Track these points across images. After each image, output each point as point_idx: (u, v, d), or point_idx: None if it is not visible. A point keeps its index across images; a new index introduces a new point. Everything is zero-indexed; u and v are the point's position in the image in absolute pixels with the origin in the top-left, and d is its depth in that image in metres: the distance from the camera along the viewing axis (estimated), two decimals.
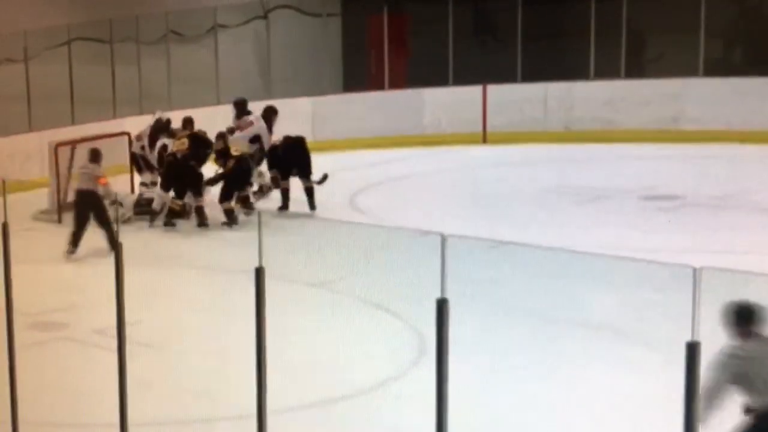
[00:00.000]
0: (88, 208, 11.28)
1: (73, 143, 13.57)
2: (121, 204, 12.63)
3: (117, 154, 13.64)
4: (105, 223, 11.06)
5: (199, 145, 12.58)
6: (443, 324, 4.22)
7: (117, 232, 5.49)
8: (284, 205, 12.98)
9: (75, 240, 11.25)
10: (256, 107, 13.97)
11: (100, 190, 11.39)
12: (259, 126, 13.20)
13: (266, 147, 13.07)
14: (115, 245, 10.62)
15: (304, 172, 12.91)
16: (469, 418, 6.64)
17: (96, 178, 11.48)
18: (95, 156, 11.69)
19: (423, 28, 18.94)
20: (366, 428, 6.87)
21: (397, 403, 7.10)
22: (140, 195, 13.23)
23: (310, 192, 12.86)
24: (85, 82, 16.00)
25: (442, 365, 4.24)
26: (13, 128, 15.08)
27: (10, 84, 15.72)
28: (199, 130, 12.90)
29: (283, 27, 18.49)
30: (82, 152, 13.51)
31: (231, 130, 13.14)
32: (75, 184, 11.87)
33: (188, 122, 13.05)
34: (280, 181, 13.02)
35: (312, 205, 12.82)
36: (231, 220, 12.27)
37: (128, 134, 13.97)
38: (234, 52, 18.03)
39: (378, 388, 7.52)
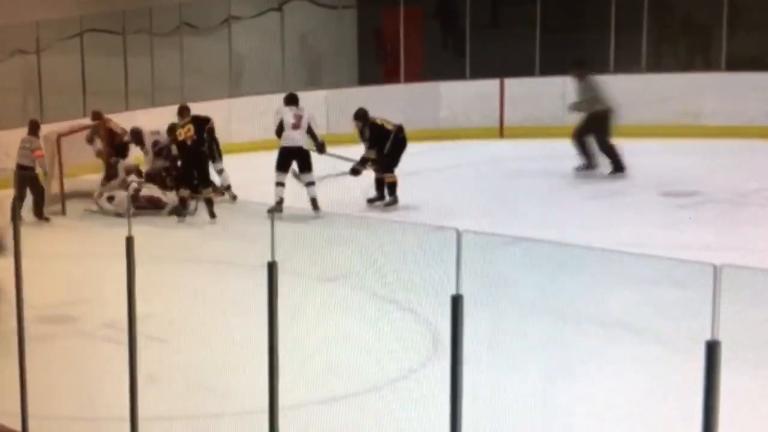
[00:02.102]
0: (25, 183, 11.45)
1: (72, 132, 13.47)
2: (112, 197, 12.59)
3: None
4: (37, 195, 11.51)
5: (201, 125, 12.39)
6: (458, 320, 4.15)
7: (129, 225, 5.47)
8: (393, 200, 12.63)
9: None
10: (270, 100, 13.86)
11: (36, 165, 11.64)
12: (310, 114, 12.62)
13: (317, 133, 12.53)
14: (41, 216, 11.35)
15: (392, 165, 12.62)
16: (484, 415, 6.54)
17: (32, 152, 11.63)
18: (34, 127, 11.77)
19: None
20: (379, 425, 6.79)
21: (411, 399, 7.02)
22: (136, 190, 12.86)
23: (392, 188, 12.60)
24: (97, 74, 15.97)
25: (457, 362, 4.17)
26: (24, 120, 15.04)
27: (22, 75, 15.71)
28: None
29: (297, 19, 18.40)
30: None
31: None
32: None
33: (186, 110, 12.74)
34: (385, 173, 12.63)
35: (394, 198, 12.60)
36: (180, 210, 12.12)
37: (140, 129, 13.87)
38: (248, 44, 17.97)
39: (391, 384, 7.44)
